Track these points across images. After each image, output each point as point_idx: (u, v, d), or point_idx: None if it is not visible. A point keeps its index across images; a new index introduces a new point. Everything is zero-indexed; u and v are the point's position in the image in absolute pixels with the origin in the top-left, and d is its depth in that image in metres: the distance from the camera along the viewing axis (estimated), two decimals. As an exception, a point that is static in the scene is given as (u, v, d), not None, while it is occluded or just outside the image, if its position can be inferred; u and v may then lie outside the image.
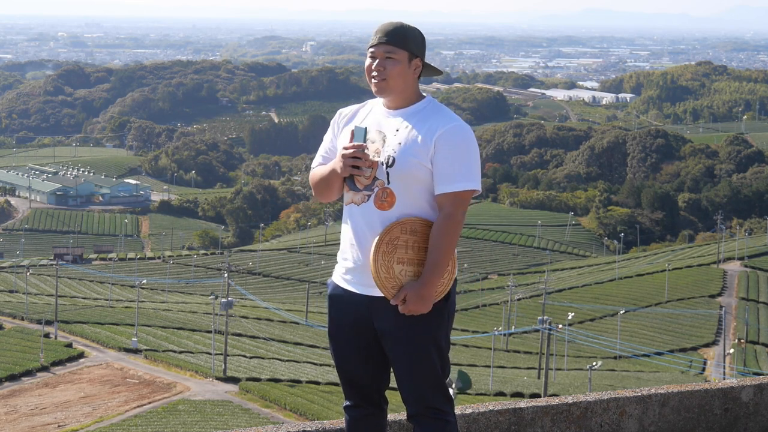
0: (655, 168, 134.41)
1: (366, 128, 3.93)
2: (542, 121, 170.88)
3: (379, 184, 3.91)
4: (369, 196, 3.92)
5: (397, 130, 3.94)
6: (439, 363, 3.97)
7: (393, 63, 3.94)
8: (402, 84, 3.95)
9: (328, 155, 4.07)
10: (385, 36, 3.96)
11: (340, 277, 4.04)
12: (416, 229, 3.91)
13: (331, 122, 4.14)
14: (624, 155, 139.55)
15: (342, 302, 4.03)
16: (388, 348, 3.97)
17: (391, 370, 4.11)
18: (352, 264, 3.98)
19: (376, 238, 3.89)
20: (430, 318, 3.93)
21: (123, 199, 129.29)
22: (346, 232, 4.01)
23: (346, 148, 3.90)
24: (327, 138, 4.12)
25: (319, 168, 4.05)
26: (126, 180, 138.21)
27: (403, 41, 3.94)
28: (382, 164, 3.90)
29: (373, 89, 3.98)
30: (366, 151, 3.89)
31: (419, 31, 4.01)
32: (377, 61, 3.96)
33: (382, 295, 3.91)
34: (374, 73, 3.95)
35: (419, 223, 3.92)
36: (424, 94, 4.03)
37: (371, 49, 3.99)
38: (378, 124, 3.97)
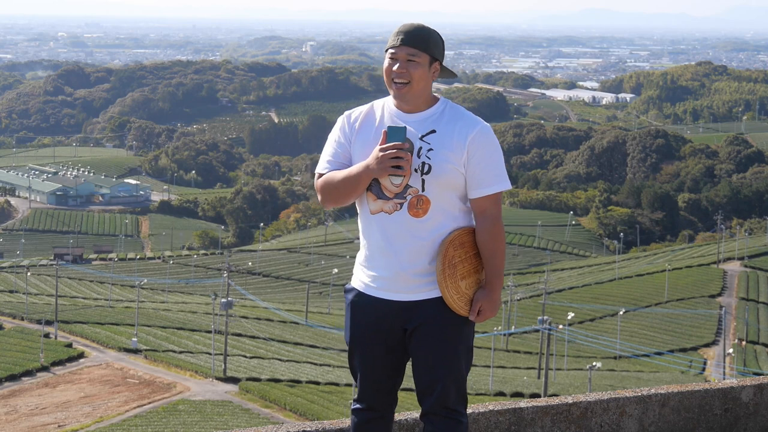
0: (655, 168, 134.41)
1: (405, 127, 3.83)
2: (542, 121, 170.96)
3: (412, 192, 3.85)
4: (401, 204, 3.86)
5: (424, 136, 3.87)
6: (464, 363, 3.98)
7: (415, 66, 3.85)
8: (423, 87, 3.89)
9: (337, 160, 3.95)
10: (407, 38, 3.86)
11: (367, 285, 3.98)
12: (464, 241, 3.91)
13: (338, 126, 4.00)
14: (624, 155, 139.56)
15: (370, 309, 3.97)
16: (415, 347, 3.95)
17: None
18: (383, 272, 3.93)
19: (438, 266, 3.85)
20: (463, 318, 3.95)
21: (123, 199, 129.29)
22: (374, 240, 3.93)
23: (385, 148, 3.79)
24: (333, 142, 3.98)
25: (337, 171, 3.90)
26: (126, 180, 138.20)
27: (425, 44, 3.87)
28: (416, 171, 3.84)
29: (393, 92, 3.90)
30: (407, 151, 3.79)
31: (439, 34, 3.93)
32: (399, 63, 3.87)
33: (415, 299, 3.91)
34: (397, 77, 3.87)
35: (463, 233, 3.91)
36: (437, 95, 3.98)
37: (391, 51, 3.89)
38: None
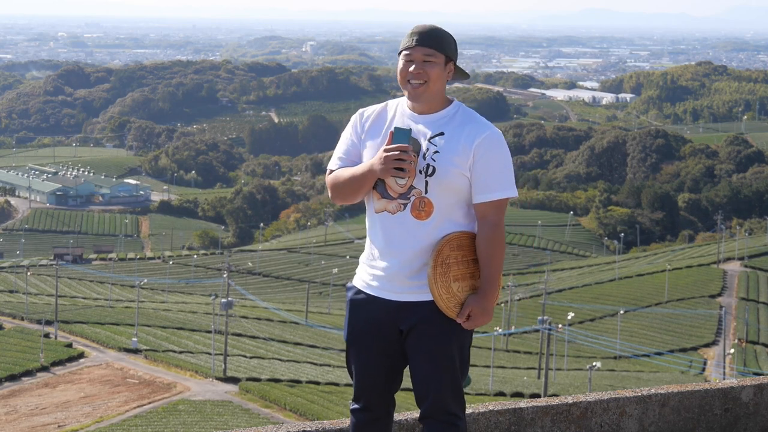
0: (655, 168, 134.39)
1: (410, 129, 3.82)
2: (542, 121, 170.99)
3: (416, 193, 3.84)
4: (405, 205, 3.85)
5: (432, 138, 3.86)
6: (459, 367, 3.96)
7: (432, 66, 3.84)
8: (439, 88, 3.88)
9: (348, 157, 3.96)
10: (422, 38, 3.85)
11: (368, 283, 3.98)
12: (462, 244, 3.89)
13: (351, 124, 4.01)
14: (624, 155, 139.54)
15: (368, 307, 3.96)
16: (410, 349, 3.94)
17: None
18: (381, 272, 3.93)
19: (430, 262, 3.83)
20: (456, 323, 3.93)
21: (123, 199, 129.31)
22: (377, 239, 3.93)
23: (388, 149, 3.79)
24: (346, 139, 4.00)
25: (346, 169, 3.92)
26: (126, 180, 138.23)
27: (440, 43, 3.85)
28: (420, 173, 3.83)
29: (409, 94, 3.88)
30: (411, 152, 3.78)
31: (452, 35, 3.92)
32: (415, 64, 3.85)
33: (412, 300, 3.89)
34: (413, 77, 3.85)
35: (463, 236, 3.89)
36: (451, 98, 3.95)
37: (406, 52, 3.87)
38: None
